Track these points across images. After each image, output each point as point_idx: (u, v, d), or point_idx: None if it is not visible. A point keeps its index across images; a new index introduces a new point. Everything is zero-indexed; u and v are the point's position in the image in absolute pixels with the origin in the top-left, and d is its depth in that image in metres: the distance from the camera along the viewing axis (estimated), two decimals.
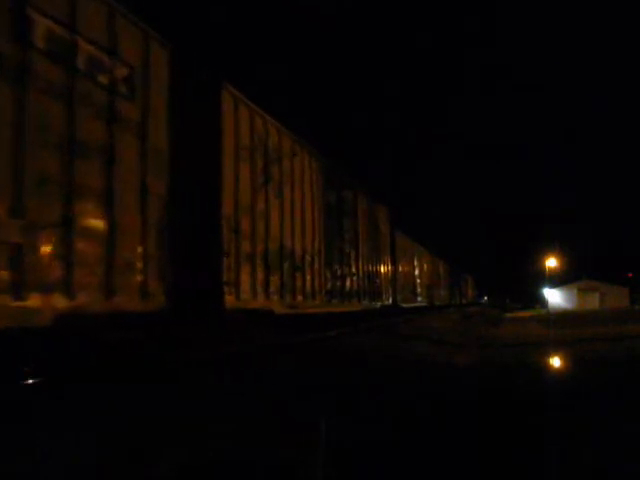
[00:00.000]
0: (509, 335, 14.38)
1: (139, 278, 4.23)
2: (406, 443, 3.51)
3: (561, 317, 23.56)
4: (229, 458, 3.04)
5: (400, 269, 15.41)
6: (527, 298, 63.39)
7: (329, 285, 8.52)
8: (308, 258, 7.74)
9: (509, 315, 35.19)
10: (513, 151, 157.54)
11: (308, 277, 7.71)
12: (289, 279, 7.10)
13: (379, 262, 12.04)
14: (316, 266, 7.98)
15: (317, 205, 8.29)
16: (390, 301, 12.99)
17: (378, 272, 11.93)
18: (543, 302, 48.34)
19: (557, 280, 49.16)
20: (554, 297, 49.50)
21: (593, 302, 49.34)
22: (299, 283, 7.42)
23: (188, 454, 2.99)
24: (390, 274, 13.30)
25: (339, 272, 9.03)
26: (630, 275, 52.21)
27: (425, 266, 20.37)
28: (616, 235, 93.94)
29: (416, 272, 18.28)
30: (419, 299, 18.44)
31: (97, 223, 3.83)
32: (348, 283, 9.49)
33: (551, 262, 31.39)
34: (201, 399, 3.81)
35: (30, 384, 3.37)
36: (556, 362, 8.90)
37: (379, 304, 11.71)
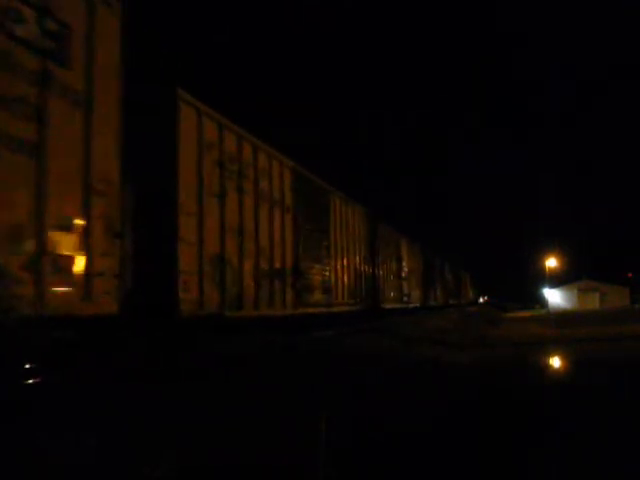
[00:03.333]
0: (509, 335, 14.37)
1: None
2: (405, 443, 3.51)
3: (561, 317, 23.53)
4: (229, 458, 3.04)
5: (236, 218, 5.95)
6: (527, 298, 63.33)
7: None
8: None
9: (509, 315, 35.19)
10: (513, 150, 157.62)
11: None
12: None
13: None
14: None
15: None
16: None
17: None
18: (543, 302, 48.27)
19: (557, 280, 49.07)
20: (554, 297, 49.40)
21: (593, 302, 49.30)
22: None
23: (188, 455, 2.99)
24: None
25: None
26: (630, 275, 52.12)
27: (356, 237, 10.86)
28: (616, 235, 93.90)
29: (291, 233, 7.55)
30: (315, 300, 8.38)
31: None
32: None
33: (551, 262, 31.31)
34: (201, 399, 3.81)
35: (30, 384, 3.37)
36: (556, 362, 8.89)
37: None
